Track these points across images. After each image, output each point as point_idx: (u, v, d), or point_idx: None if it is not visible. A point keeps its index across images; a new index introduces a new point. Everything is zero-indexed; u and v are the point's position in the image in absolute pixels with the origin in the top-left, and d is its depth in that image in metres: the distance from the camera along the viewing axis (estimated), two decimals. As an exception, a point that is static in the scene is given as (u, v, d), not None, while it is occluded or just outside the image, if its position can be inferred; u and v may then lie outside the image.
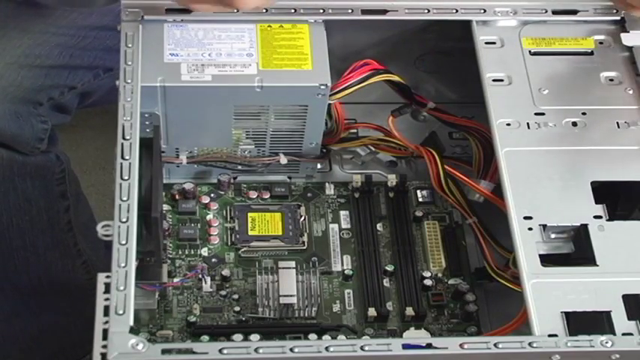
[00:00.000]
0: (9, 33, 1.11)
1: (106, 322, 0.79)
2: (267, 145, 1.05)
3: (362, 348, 0.80)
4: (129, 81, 0.92)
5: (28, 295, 1.26)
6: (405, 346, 0.81)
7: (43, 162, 1.16)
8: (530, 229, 0.89)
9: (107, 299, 0.80)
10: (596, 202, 0.91)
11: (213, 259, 1.02)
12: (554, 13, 1.04)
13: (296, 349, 0.79)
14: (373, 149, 1.09)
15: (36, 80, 1.10)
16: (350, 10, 1.02)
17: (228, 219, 1.05)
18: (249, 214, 1.05)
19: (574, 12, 1.04)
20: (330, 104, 1.01)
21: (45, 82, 1.12)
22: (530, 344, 0.81)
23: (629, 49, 1.02)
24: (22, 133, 1.11)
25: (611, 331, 0.83)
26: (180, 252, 1.02)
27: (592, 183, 0.92)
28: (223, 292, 0.99)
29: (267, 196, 1.07)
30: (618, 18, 1.04)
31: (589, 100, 0.98)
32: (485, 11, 1.03)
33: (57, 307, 1.29)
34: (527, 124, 0.96)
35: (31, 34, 1.11)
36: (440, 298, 1.01)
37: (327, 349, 0.80)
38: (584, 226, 0.90)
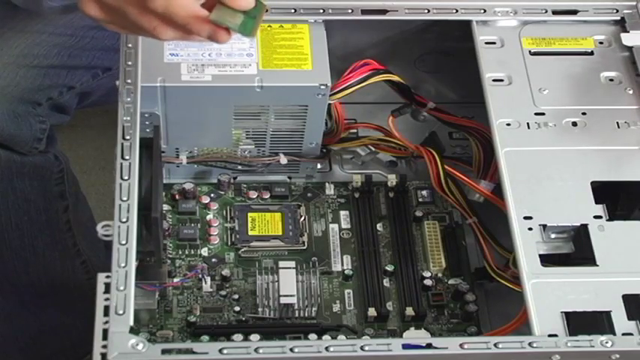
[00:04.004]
0: (6, 33, 1.11)
1: (106, 322, 0.79)
2: (267, 145, 1.05)
3: (362, 348, 0.80)
4: (129, 81, 0.91)
5: (28, 295, 1.26)
6: (405, 346, 0.81)
7: (42, 162, 1.16)
8: (530, 229, 0.89)
9: (107, 299, 0.80)
10: (596, 202, 0.91)
11: (213, 259, 1.02)
12: (554, 13, 1.04)
13: (296, 349, 0.79)
14: (373, 149, 1.09)
15: (34, 80, 1.10)
16: (350, 10, 1.02)
17: (228, 219, 1.05)
18: (249, 214, 1.05)
19: (574, 12, 1.04)
20: (330, 104, 1.01)
21: (43, 82, 1.11)
22: (530, 344, 0.81)
23: (629, 49, 1.02)
24: (20, 133, 1.11)
25: (611, 331, 0.83)
26: (180, 252, 1.02)
27: (592, 183, 0.92)
28: (223, 292, 0.99)
29: (267, 196, 1.07)
30: (618, 18, 1.04)
31: (589, 100, 0.98)
32: (485, 11, 1.03)
33: (57, 307, 1.29)
34: (527, 124, 0.96)
35: (28, 34, 1.11)
36: (440, 298, 1.01)
37: (327, 349, 0.80)
38: (584, 226, 0.90)
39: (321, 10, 1.01)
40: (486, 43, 1.02)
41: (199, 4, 0.81)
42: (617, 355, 0.81)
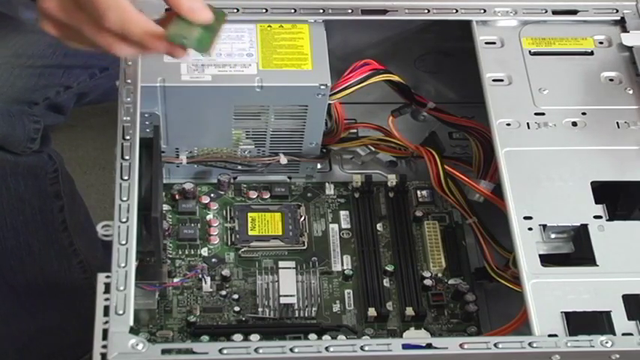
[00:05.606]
0: None
1: (106, 322, 0.79)
2: (267, 145, 1.05)
3: (362, 348, 0.80)
4: (129, 81, 0.91)
5: (25, 295, 1.26)
6: (405, 346, 0.81)
7: (36, 162, 1.16)
8: (530, 229, 0.89)
9: (107, 299, 0.80)
10: (596, 202, 0.91)
11: (213, 259, 1.02)
12: (554, 13, 1.04)
13: (296, 349, 0.79)
14: (373, 149, 1.09)
15: (29, 80, 1.10)
16: (350, 10, 1.02)
17: (228, 219, 1.05)
18: (249, 214, 1.05)
19: (574, 12, 1.04)
20: (330, 104, 1.01)
21: (39, 82, 1.11)
22: (530, 344, 0.81)
23: (629, 49, 1.02)
24: (13, 132, 1.10)
25: (611, 331, 0.83)
26: (180, 252, 1.02)
27: (592, 183, 0.92)
28: (223, 292, 0.99)
29: (267, 196, 1.07)
30: (618, 18, 1.04)
31: (589, 100, 0.98)
32: (485, 11, 1.03)
33: (54, 307, 1.28)
34: (527, 124, 0.96)
35: (22, 34, 1.11)
36: (440, 298, 1.01)
37: (327, 349, 0.80)
38: (584, 226, 0.90)
39: (321, 10, 1.01)
40: (486, 43, 1.02)
41: (160, 16, 0.82)
42: (617, 355, 0.81)
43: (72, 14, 0.80)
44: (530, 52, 1.01)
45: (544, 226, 0.90)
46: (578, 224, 0.90)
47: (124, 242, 0.82)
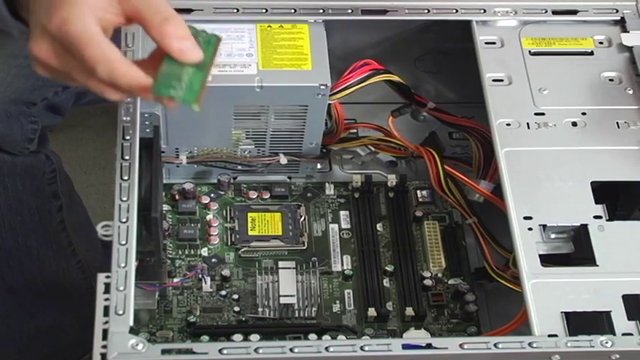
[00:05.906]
0: None
1: (106, 322, 0.79)
2: (267, 145, 1.05)
3: (362, 348, 0.80)
4: (129, 81, 0.91)
5: (24, 295, 1.26)
6: (405, 346, 0.81)
7: (33, 162, 1.16)
8: (530, 229, 0.89)
9: (107, 299, 0.80)
10: (596, 202, 0.91)
11: (213, 259, 1.02)
12: (554, 13, 1.04)
13: (296, 349, 0.79)
14: (373, 149, 1.09)
15: (27, 80, 1.10)
16: (350, 10, 1.02)
17: (228, 219, 1.05)
18: (249, 214, 1.05)
19: (574, 12, 1.04)
20: (330, 104, 1.01)
21: (37, 82, 1.11)
22: (530, 344, 0.81)
23: (629, 49, 1.02)
24: (11, 133, 1.10)
25: (611, 331, 0.83)
26: (180, 252, 1.02)
27: (592, 183, 0.92)
28: (223, 292, 0.99)
29: (267, 196, 1.07)
30: (618, 18, 1.04)
31: (589, 100, 0.98)
32: (485, 11, 1.03)
33: (53, 307, 1.28)
34: (527, 124, 0.96)
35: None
36: (440, 298, 1.01)
37: (327, 349, 0.80)
38: (584, 226, 0.90)
39: (321, 10, 1.01)
40: (486, 43, 1.02)
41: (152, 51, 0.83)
42: (617, 355, 0.81)
43: (63, 61, 0.81)
44: (530, 52, 1.01)
45: (544, 226, 0.90)
46: (578, 224, 0.90)
47: (123, 242, 0.82)
